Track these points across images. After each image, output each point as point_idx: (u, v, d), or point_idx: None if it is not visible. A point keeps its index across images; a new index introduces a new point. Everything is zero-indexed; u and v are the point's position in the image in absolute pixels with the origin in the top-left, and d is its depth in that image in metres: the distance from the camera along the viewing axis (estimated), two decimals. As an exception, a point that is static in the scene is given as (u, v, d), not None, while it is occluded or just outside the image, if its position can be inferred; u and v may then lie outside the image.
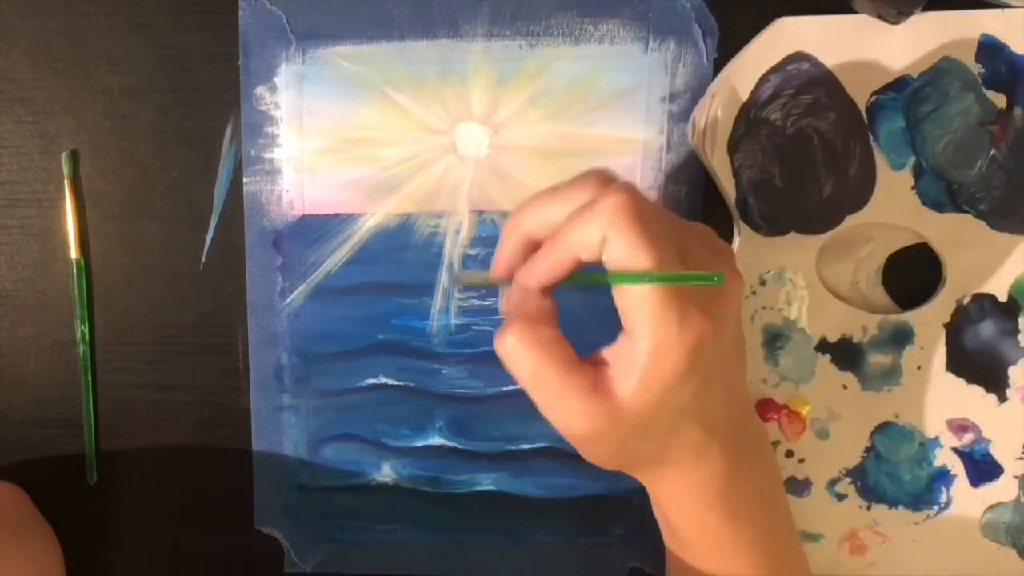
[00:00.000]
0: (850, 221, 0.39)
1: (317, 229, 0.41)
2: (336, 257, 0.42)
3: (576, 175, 0.32)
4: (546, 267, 0.32)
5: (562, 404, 0.31)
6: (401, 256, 0.41)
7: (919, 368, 0.40)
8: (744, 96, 0.39)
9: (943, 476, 0.41)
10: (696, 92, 0.40)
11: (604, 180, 0.31)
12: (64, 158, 0.41)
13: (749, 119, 0.39)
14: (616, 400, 0.30)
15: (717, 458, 0.32)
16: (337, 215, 0.41)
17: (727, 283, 0.30)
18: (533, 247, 0.32)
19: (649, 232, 0.29)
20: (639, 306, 0.29)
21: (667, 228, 0.30)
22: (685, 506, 0.34)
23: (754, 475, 0.34)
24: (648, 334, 0.29)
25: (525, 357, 0.31)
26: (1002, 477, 0.40)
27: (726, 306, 0.31)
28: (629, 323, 0.30)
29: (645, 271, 0.29)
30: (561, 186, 0.32)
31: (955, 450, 0.40)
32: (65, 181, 0.41)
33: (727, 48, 0.39)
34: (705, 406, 0.31)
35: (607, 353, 0.31)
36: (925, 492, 0.41)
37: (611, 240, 0.29)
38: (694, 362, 0.29)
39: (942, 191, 0.39)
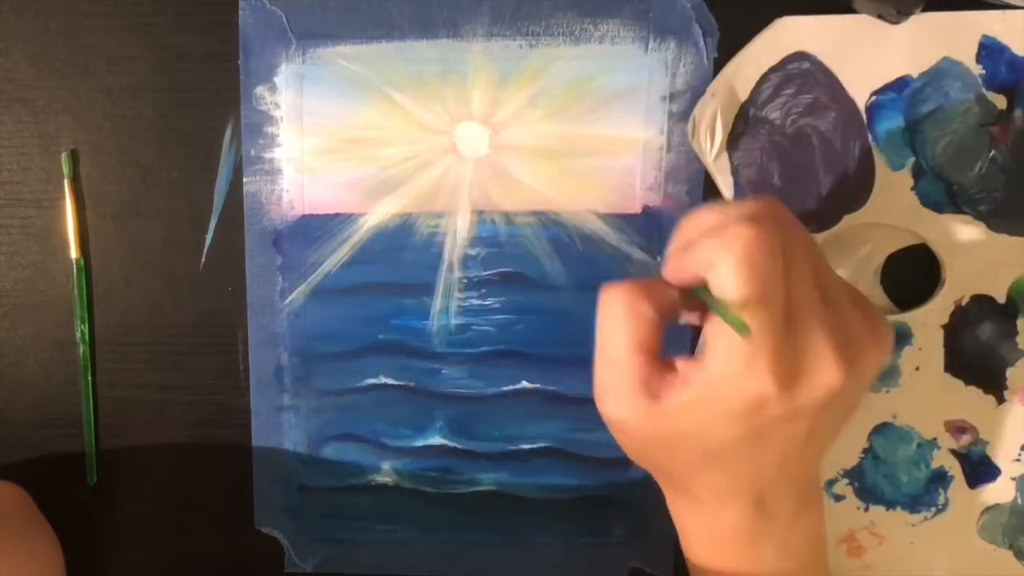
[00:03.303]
0: (849, 221, 0.39)
1: (317, 229, 0.41)
2: (336, 257, 0.42)
3: (758, 199, 0.31)
4: (672, 271, 0.31)
5: (610, 378, 0.31)
6: (401, 256, 0.41)
7: (917, 369, 0.40)
8: (744, 96, 0.39)
9: (941, 477, 0.41)
10: (696, 92, 0.40)
11: (765, 210, 0.30)
12: (64, 158, 0.41)
13: (749, 118, 0.39)
14: (656, 405, 0.30)
15: (739, 515, 0.32)
16: (337, 215, 0.41)
17: (822, 374, 0.29)
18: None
19: (754, 276, 0.28)
20: (722, 337, 0.29)
21: (780, 279, 0.29)
22: (698, 546, 0.33)
23: (780, 541, 0.33)
24: (716, 364, 0.29)
25: (610, 311, 0.31)
26: (1000, 479, 0.40)
27: (814, 397, 0.29)
28: (707, 348, 0.29)
29: (716, 297, 0.29)
30: (729, 206, 0.31)
31: (953, 451, 0.41)
32: (65, 181, 0.41)
33: (727, 48, 0.39)
34: (748, 464, 0.31)
35: (681, 363, 0.31)
36: (923, 493, 0.41)
37: (715, 266, 0.29)
38: (746, 414, 0.29)
39: (942, 192, 0.39)
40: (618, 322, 0.31)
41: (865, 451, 0.41)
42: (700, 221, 0.31)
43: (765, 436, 0.30)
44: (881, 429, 0.41)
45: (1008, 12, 0.38)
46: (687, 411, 0.30)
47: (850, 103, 0.39)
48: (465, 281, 0.42)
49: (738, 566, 0.33)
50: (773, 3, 0.39)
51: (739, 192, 0.39)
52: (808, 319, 0.29)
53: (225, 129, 0.41)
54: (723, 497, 0.32)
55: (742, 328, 0.28)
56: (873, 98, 0.39)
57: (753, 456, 0.30)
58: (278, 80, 0.40)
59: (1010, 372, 0.40)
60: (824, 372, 0.29)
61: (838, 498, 0.41)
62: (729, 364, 0.29)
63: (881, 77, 0.38)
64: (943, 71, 0.38)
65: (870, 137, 0.39)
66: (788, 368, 0.29)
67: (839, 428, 0.32)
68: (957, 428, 0.40)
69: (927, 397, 0.40)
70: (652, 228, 0.41)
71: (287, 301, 0.42)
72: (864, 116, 0.39)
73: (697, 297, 0.31)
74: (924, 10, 0.37)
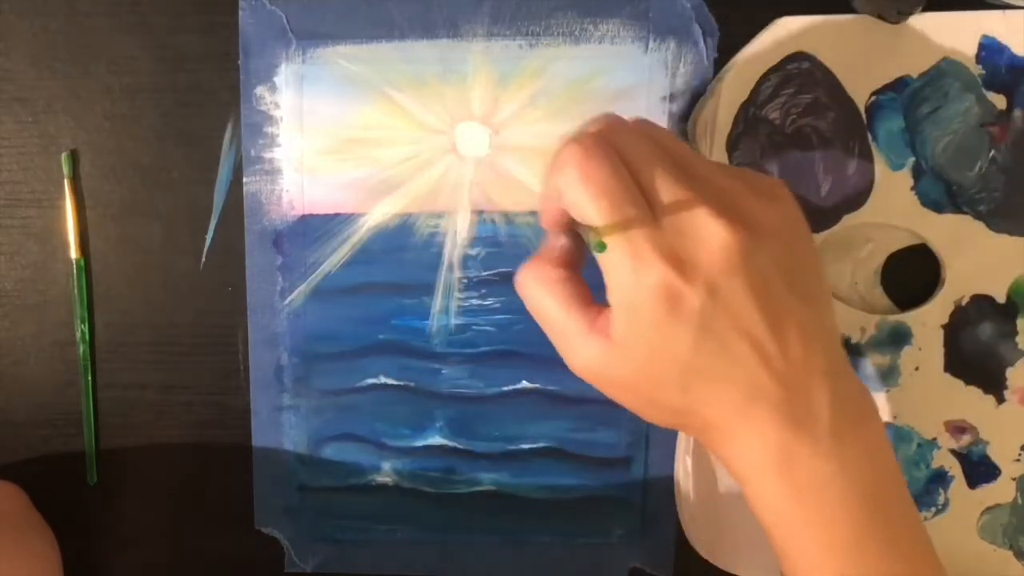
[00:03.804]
0: (848, 221, 0.39)
1: (317, 229, 0.41)
2: (336, 257, 0.42)
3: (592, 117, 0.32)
4: (542, 213, 0.33)
5: (562, 341, 0.32)
6: (401, 256, 0.41)
7: (917, 369, 0.40)
8: (744, 95, 0.39)
9: (941, 478, 0.41)
10: (696, 92, 0.40)
11: (600, 123, 0.32)
12: (64, 158, 0.41)
13: (748, 118, 0.39)
14: (611, 342, 0.31)
15: (767, 424, 0.30)
16: (337, 215, 0.41)
17: (709, 237, 0.29)
18: None
19: (593, 184, 0.29)
20: (601, 257, 0.30)
21: (625, 177, 0.30)
22: (742, 473, 0.31)
23: (832, 452, 0.30)
24: (609, 282, 0.30)
25: (526, 291, 0.33)
26: (999, 479, 0.40)
27: (713, 261, 0.29)
28: (604, 273, 0.30)
29: (585, 224, 0.30)
30: (579, 129, 0.32)
31: (953, 451, 0.41)
32: (65, 181, 0.41)
33: (727, 48, 0.39)
34: (727, 362, 0.30)
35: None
36: (923, 494, 0.41)
37: (562, 192, 0.30)
38: (670, 312, 0.29)
39: (941, 192, 0.39)
40: (539, 298, 0.32)
41: (865, 451, 0.41)
42: (551, 162, 0.32)
43: (711, 325, 0.30)
44: (881, 429, 0.41)
45: (1008, 12, 0.38)
46: (631, 337, 0.30)
47: (850, 103, 0.39)
48: (465, 281, 0.42)
49: (780, 500, 0.31)
50: (773, 3, 0.39)
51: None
52: (673, 197, 0.30)
53: (225, 129, 0.41)
54: (737, 410, 0.30)
55: (598, 246, 0.29)
56: (873, 98, 0.39)
57: (723, 350, 0.30)
58: (278, 80, 0.40)
59: (1010, 372, 0.40)
60: (710, 233, 0.29)
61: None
62: (622, 277, 0.30)
63: (881, 77, 0.38)
64: (943, 71, 0.38)
65: (870, 137, 0.39)
66: (672, 248, 0.29)
67: (804, 272, 0.31)
68: (957, 428, 0.40)
69: (927, 397, 0.40)
70: (652, 228, 0.41)
71: (287, 301, 0.42)
72: (864, 116, 0.39)
73: (577, 228, 0.32)
74: (924, 10, 0.37)
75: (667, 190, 0.30)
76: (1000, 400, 0.40)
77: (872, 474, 0.31)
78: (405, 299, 0.42)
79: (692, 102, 0.40)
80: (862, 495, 0.30)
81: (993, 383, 0.40)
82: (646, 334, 0.30)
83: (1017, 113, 0.38)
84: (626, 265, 0.29)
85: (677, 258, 0.29)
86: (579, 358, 0.32)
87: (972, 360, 0.40)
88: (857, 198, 0.39)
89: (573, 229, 0.33)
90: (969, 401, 0.40)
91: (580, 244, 0.33)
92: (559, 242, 0.33)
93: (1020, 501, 0.41)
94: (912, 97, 0.39)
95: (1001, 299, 0.40)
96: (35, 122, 0.41)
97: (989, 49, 0.38)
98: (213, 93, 0.41)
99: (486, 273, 0.41)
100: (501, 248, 0.41)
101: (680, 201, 0.30)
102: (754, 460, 0.31)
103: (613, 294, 0.30)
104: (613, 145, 0.30)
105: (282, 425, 0.43)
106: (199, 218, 0.42)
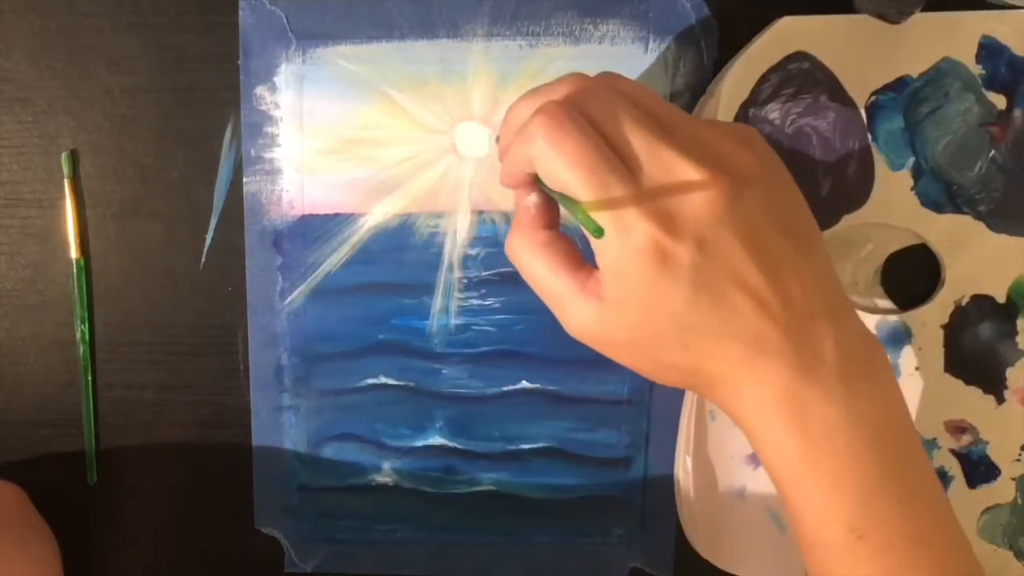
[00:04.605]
0: (848, 221, 0.39)
1: (317, 229, 0.41)
2: (336, 257, 0.42)
3: (560, 76, 0.32)
4: (505, 176, 0.33)
5: (556, 303, 0.32)
6: (401, 256, 0.41)
7: (917, 369, 0.40)
8: (744, 95, 0.39)
9: (940, 478, 0.41)
10: (696, 92, 0.40)
11: (564, 87, 0.31)
12: (64, 158, 0.41)
13: (748, 118, 0.39)
14: (605, 303, 0.30)
15: (772, 373, 0.29)
16: (337, 215, 0.41)
17: (692, 189, 0.28)
18: None
19: (566, 154, 0.29)
20: (584, 224, 0.29)
21: (597, 141, 0.29)
22: (751, 426, 0.31)
23: (841, 398, 0.29)
24: (596, 247, 0.30)
25: (517, 259, 0.33)
26: (999, 479, 0.40)
27: (698, 214, 0.29)
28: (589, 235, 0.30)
29: (560, 191, 0.30)
30: (542, 88, 0.32)
31: (953, 451, 0.41)
32: (65, 181, 0.41)
33: (727, 48, 0.39)
34: (719, 317, 0.29)
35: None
36: (923, 493, 0.41)
37: (534, 163, 0.30)
38: (661, 270, 0.29)
39: (941, 192, 0.39)
40: (528, 264, 0.32)
41: (865, 451, 0.41)
42: (513, 118, 0.32)
43: (704, 278, 0.29)
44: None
45: (1008, 12, 0.38)
46: (624, 298, 0.30)
47: (850, 103, 0.39)
48: (465, 281, 0.42)
49: (791, 448, 0.30)
50: (773, 3, 0.39)
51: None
52: (649, 153, 0.29)
53: (225, 129, 0.41)
54: (741, 362, 0.30)
55: (595, 232, 0.29)
56: (873, 98, 0.39)
57: (720, 303, 0.29)
58: (278, 80, 0.40)
59: (1010, 372, 0.40)
60: (692, 185, 0.29)
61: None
62: (608, 242, 0.29)
63: (881, 77, 0.38)
64: (943, 71, 0.38)
65: (870, 137, 0.39)
66: (655, 206, 0.29)
67: (793, 215, 0.31)
68: (957, 428, 0.40)
69: (927, 397, 0.40)
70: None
71: (287, 301, 0.42)
72: (864, 116, 0.39)
73: (544, 189, 0.32)
74: (924, 10, 0.37)
75: (642, 147, 0.29)
76: (1000, 400, 0.40)
77: (883, 422, 0.30)
78: (405, 299, 0.42)
79: (692, 102, 0.40)
80: (872, 444, 0.30)
81: (993, 383, 0.40)
82: (639, 294, 0.29)
83: (1017, 113, 0.38)
84: (610, 230, 0.29)
85: (661, 215, 0.29)
86: (574, 321, 0.31)
87: (972, 360, 0.40)
88: (857, 198, 0.39)
89: (539, 186, 0.32)
90: (969, 401, 0.40)
91: (551, 199, 0.33)
92: (532, 201, 0.33)
93: (1020, 501, 0.41)
94: (912, 97, 0.39)
95: (1001, 299, 0.40)
96: (35, 122, 0.41)
97: (989, 49, 0.38)
98: (213, 93, 0.41)
99: (486, 273, 0.41)
100: (501, 248, 0.41)
101: (657, 156, 0.29)
102: (762, 411, 0.30)
103: (601, 259, 0.30)
104: (580, 108, 0.30)
105: (282, 425, 0.43)
106: (199, 218, 0.42)
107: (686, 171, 0.29)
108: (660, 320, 0.30)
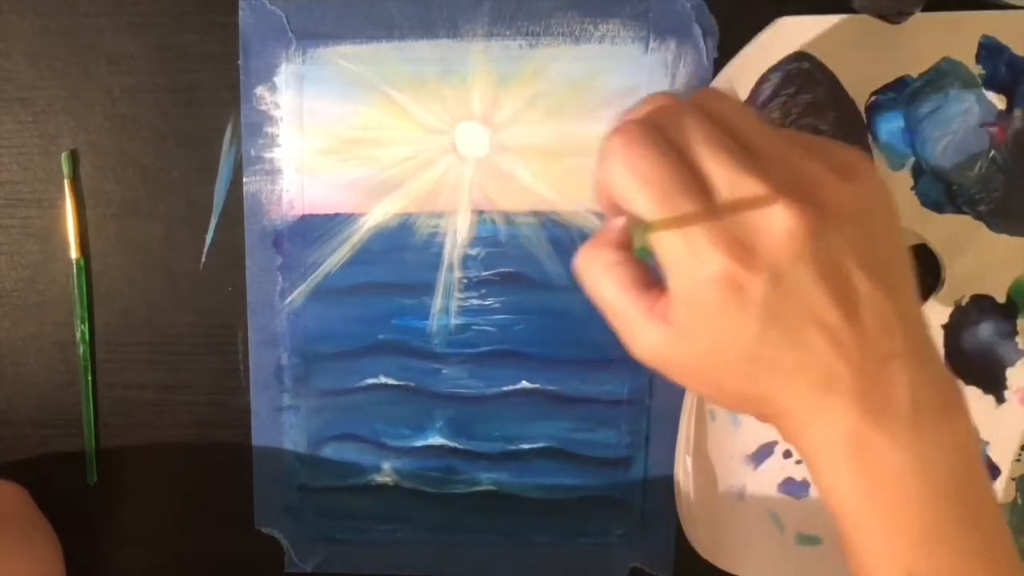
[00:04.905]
0: (849, 222, 0.39)
1: (317, 229, 0.41)
2: (336, 257, 0.42)
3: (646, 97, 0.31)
4: (599, 199, 0.31)
5: (622, 326, 0.31)
6: (401, 256, 0.41)
7: (918, 369, 0.40)
8: (744, 96, 0.39)
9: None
10: (696, 92, 0.40)
11: (649, 105, 0.30)
12: (64, 158, 0.41)
13: (749, 119, 0.39)
14: (672, 328, 0.29)
15: (841, 414, 0.29)
16: (337, 215, 0.41)
17: (771, 221, 0.27)
18: None
19: (639, 174, 0.28)
20: (662, 244, 0.28)
21: (673, 162, 0.28)
22: (815, 463, 0.30)
23: (909, 444, 0.29)
24: (667, 272, 0.29)
25: (585, 275, 0.31)
26: (999, 479, 0.40)
27: (776, 247, 0.28)
28: (663, 261, 0.29)
29: (634, 219, 0.29)
30: (632, 107, 0.31)
31: (953, 451, 0.41)
32: (65, 181, 0.41)
33: (727, 48, 0.39)
34: (789, 352, 0.28)
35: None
36: (923, 493, 0.41)
37: (610, 185, 0.29)
38: (734, 301, 0.28)
39: (941, 192, 0.39)
40: (596, 282, 0.31)
41: (865, 451, 0.41)
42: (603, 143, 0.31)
43: (777, 313, 0.28)
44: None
45: (1008, 12, 0.38)
46: (693, 324, 0.29)
47: (850, 103, 0.39)
48: (465, 281, 0.42)
49: (848, 492, 0.29)
50: (773, 3, 0.39)
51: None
52: (729, 179, 0.28)
53: (225, 129, 0.41)
54: (810, 399, 0.29)
55: (641, 252, 0.28)
56: (873, 98, 0.39)
57: (792, 339, 0.28)
58: (278, 80, 0.40)
59: (1010, 372, 0.40)
60: (772, 217, 0.27)
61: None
62: (679, 268, 0.28)
63: (881, 77, 0.38)
64: (943, 71, 0.38)
65: (870, 137, 0.39)
66: (731, 235, 0.28)
67: (883, 251, 0.29)
68: (957, 428, 0.40)
69: (927, 397, 0.40)
70: (652, 228, 0.41)
71: (287, 301, 0.42)
72: (864, 116, 0.39)
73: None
74: (924, 10, 0.37)
75: (722, 172, 0.28)
76: (1000, 400, 0.40)
77: (951, 470, 0.29)
78: (405, 299, 0.42)
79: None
80: (937, 491, 0.29)
81: (993, 383, 0.40)
82: (708, 323, 0.29)
83: (1017, 113, 0.38)
84: (682, 257, 0.28)
85: (736, 246, 0.28)
86: (641, 344, 0.30)
87: (972, 360, 0.40)
88: (857, 198, 0.39)
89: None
90: (969, 401, 0.40)
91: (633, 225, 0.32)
92: (617, 223, 0.31)
93: (1020, 501, 0.41)
94: (912, 97, 0.39)
95: (1001, 299, 0.40)
96: (35, 122, 0.41)
97: (989, 49, 0.38)
98: (213, 93, 0.41)
99: (486, 273, 0.41)
100: (501, 248, 0.41)
101: (737, 183, 0.28)
102: (827, 450, 0.29)
103: (671, 284, 0.29)
104: (659, 128, 0.29)
105: (282, 425, 0.43)
106: (199, 218, 0.42)
107: (766, 200, 0.28)
108: (728, 350, 0.29)
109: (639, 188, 0.28)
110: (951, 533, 0.29)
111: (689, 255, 0.28)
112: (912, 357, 0.29)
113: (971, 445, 0.30)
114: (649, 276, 0.31)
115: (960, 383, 0.31)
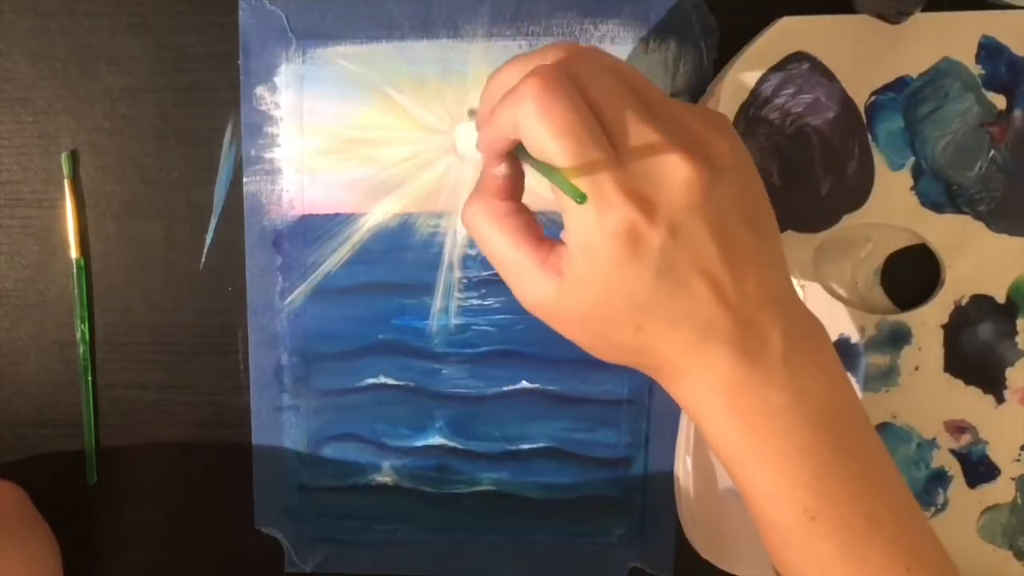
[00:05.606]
0: (848, 221, 0.39)
1: (317, 229, 0.41)
2: (336, 257, 0.42)
3: (547, 45, 0.32)
4: (485, 142, 0.32)
5: (513, 276, 0.32)
6: (401, 256, 0.41)
7: (917, 369, 0.40)
8: (744, 95, 0.39)
9: (940, 478, 0.41)
10: (696, 92, 0.40)
11: (554, 54, 0.31)
12: (64, 158, 0.41)
13: (748, 118, 0.39)
14: (564, 279, 0.30)
15: (718, 359, 0.30)
16: (337, 215, 0.41)
17: (673, 175, 0.28)
18: None
19: (555, 121, 0.29)
20: (559, 193, 0.29)
21: (587, 114, 0.29)
22: (696, 411, 0.31)
23: (785, 382, 0.30)
24: (569, 221, 0.30)
25: (476, 229, 0.32)
26: (999, 479, 0.40)
27: (675, 199, 0.29)
28: (562, 209, 0.30)
29: (542, 161, 0.29)
30: (529, 54, 0.32)
31: (952, 451, 0.41)
32: (65, 181, 0.41)
33: (727, 48, 0.39)
34: (676, 302, 0.30)
35: (563, 235, 0.31)
36: (922, 493, 0.41)
37: (520, 127, 0.30)
38: (632, 251, 0.29)
39: (941, 192, 0.39)
40: (488, 235, 0.32)
41: (865, 451, 0.41)
42: (502, 83, 0.31)
43: (671, 264, 0.29)
44: (881, 429, 0.41)
45: (1008, 12, 0.38)
46: (588, 274, 0.30)
47: (850, 103, 0.39)
48: (465, 281, 0.42)
49: (736, 434, 0.30)
50: (773, 3, 0.39)
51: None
52: (636, 133, 0.29)
53: (225, 129, 0.41)
54: (691, 347, 0.30)
55: (578, 196, 0.28)
56: (873, 98, 0.39)
57: (681, 289, 0.29)
58: (278, 80, 0.40)
59: (1010, 372, 0.40)
60: (673, 171, 0.29)
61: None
62: (584, 218, 0.29)
63: (881, 77, 0.38)
64: (943, 71, 0.38)
65: (870, 137, 0.39)
66: (637, 186, 0.29)
67: (757, 203, 0.31)
68: (957, 428, 0.40)
69: (927, 397, 0.40)
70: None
71: (287, 301, 0.42)
72: (864, 116, 0.39)
73: (521, 160, 0.31)
74: (924, 10, 0.37)
75: (629, 125, 0.29)
76: (1000, 400, 0.40)
77: (829, 404, 0.30)
78: (405, 299, 0.42)
79: (692, 102, 0.40)
80: (818, 425, 0.30)
81: (993, 383, 0.40)
82: (604, 273, 0.29)
83: (1017, 113, 0.38)
84: (587, 205, 0.29)
85: (640, 197, 0.29)
86: (531, 295, 0.31)
87: (972, 360, 0.40)
88: (857, 198, 0.39)
89: (513, 156, 0.32)
90: (969, 401, 0.40)
91: (520, 172, 0.33)
92: (501, 171, 0.32)
93: (1020, 501, 0.41)
94: (912, 97, 0.39)
95: (1001, 299, 0.40)
96: (35, 122, 0.41)
97: (989, 49, 0.38)
98: (213, 93, 0.41)
99: (486, 273, 0.41)
100: (501, 248, 0.41)
101: (642, 136, 0.29)
102: (707, 396, 0.31)
103: (572, 234, 0.30)
104: (574, 78, 0.30)
105: (282, 425, 0.43)
106: (199, 218, 0.42)
107: (669, 155, 0.29)
108: (619, 300, 0.30)
109: (554, 134, 0.29)
110: (837, 463, 0.30)
111: (593, 204, 0.29)
112: (782, 300, 0.30)
113: (840, 374, 0.32)
114: (540, 229, 0.32)
115: (821, 323, 0.32)
